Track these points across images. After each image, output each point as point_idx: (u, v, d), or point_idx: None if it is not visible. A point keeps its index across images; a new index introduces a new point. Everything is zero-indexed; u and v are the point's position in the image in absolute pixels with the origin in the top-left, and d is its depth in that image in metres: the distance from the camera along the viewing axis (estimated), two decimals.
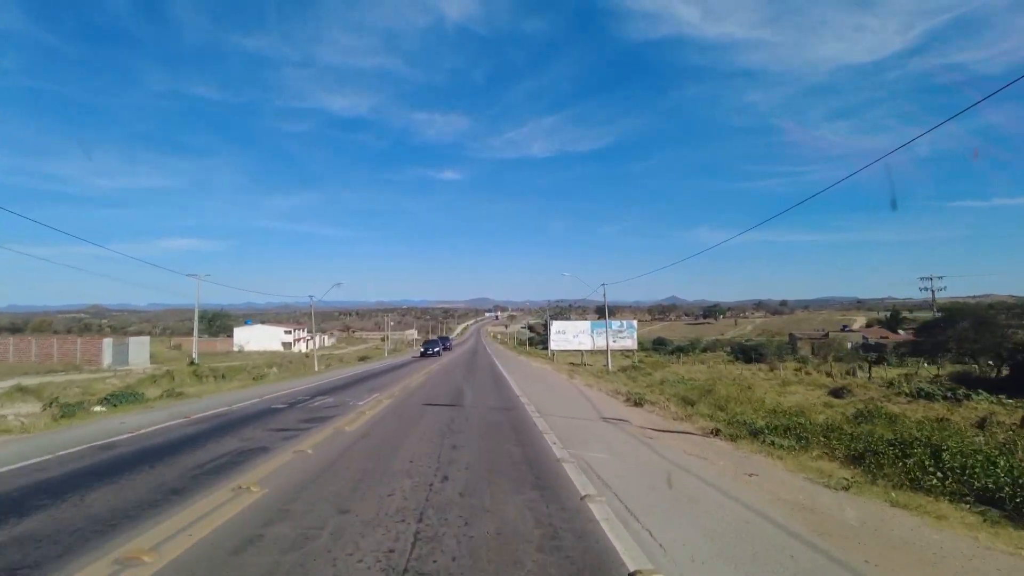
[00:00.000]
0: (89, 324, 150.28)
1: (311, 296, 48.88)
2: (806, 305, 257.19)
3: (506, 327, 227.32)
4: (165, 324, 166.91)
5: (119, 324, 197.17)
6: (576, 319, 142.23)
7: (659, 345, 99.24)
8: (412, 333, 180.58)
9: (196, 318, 55.18)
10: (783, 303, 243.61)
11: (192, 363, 53.30)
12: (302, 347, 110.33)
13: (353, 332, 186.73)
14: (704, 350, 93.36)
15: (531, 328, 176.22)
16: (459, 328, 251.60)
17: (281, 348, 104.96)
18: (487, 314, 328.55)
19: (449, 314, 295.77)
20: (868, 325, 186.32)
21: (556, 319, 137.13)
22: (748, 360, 69.63)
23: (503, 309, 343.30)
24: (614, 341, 56.11)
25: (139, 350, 63.17)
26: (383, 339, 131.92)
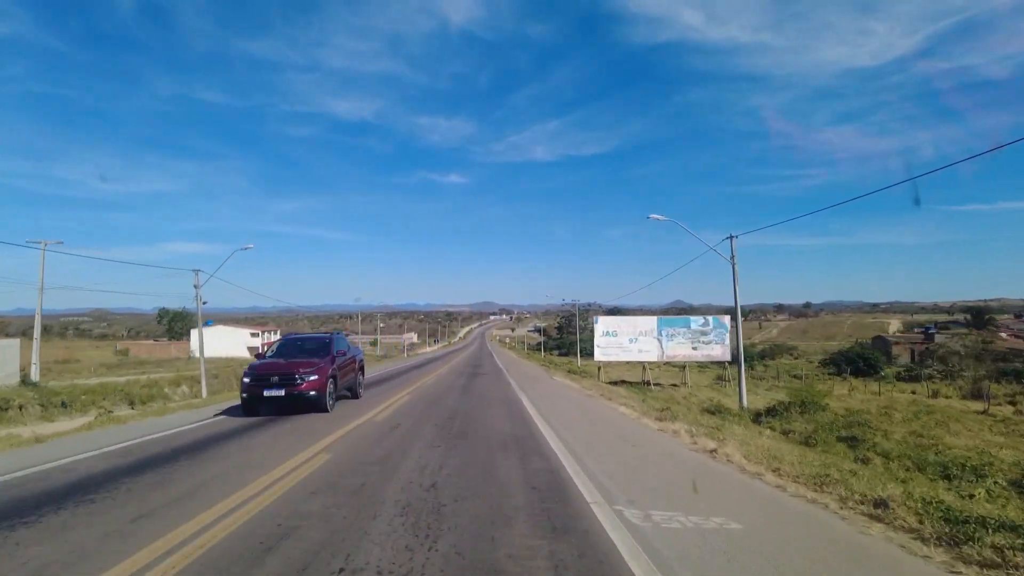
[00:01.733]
0: (49, 327, 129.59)
1: (198, 270, 28.05)
2: (819, 309, 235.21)
3: (512, 330, 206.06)
4: (154, 327, 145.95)
5: (102, 327, 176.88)
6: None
7: None
8: (411, 336, 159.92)
9: (38, 317, 33.88)
10: (807, 305, 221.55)
11: (24, 382, 32.12)
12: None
13: (347, 336, 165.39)
14: (762, 356, 71.63)
15: (542, 331, 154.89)
16: (463, 331, 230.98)
17: (247, 353, 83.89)
18: (492, 317, 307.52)
19: (452, 317, 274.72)
20: (907, 328, 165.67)
21: (572, 322, 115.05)
22: (857, 371, 48.28)
23: (508, 312, 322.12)
24: (693, 348, 34.82)
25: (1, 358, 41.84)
26: (371, 343, 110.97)
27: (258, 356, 14.51)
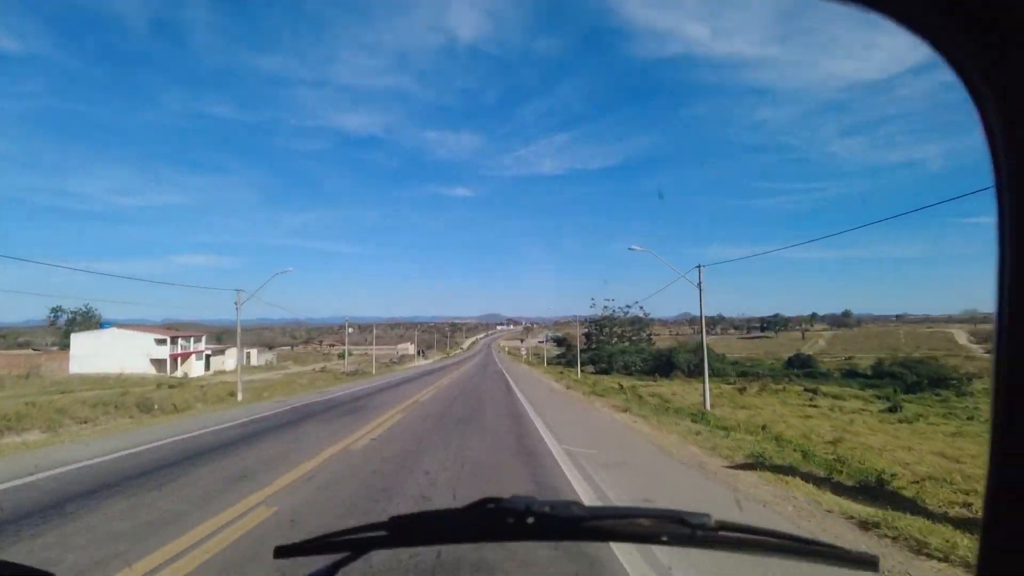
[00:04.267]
0: None
1: None
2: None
3: (522, 341, 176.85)
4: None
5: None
6: (624, 340, 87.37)
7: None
8: (406, 347, 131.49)
9: None
10: (846, 314, 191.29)
11: None
12: (195, 365, 60.59)
13: (332, 345, 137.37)
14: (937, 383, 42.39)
15: (560, 341, 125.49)
16: (467, 342, 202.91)
17: (148, 367, 55.51)
18: (499, 327, 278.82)
19: (457, 327, 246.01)
20: (980, 339, 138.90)
21: (606, 329, 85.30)
22: None
23: (516, 323, 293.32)
24: None
25: None
26: (339, 355, 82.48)
27: None
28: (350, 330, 71.21)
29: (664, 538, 0.80)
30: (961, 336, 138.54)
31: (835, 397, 31.18)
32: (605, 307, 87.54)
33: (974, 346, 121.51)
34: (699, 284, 17.97)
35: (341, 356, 75.70)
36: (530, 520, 0.82)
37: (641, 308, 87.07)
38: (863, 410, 24.70)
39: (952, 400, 32.92)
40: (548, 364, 76.55)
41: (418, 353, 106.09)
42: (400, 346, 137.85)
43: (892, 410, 23.14)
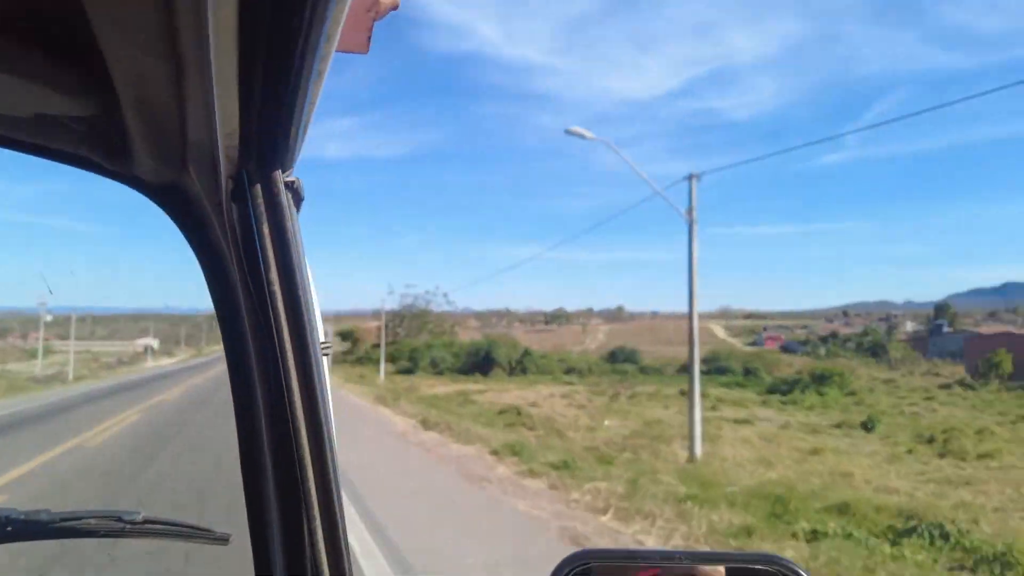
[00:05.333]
0: None
1: None
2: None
3: None
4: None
5: None
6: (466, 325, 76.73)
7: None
8: (146, 343, 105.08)
9: None
10: (619, 309, 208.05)
11: None
12: None
13: (47, 340, 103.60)
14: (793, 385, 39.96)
15: (346, 336, 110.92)
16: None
17: None
18: None
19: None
20: (736, 333, 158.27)
21: (395, 325, 74.70)
22: None
23: None
24: None
25: None
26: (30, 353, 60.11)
27: None
28: (48, 318, 51.38)
29: (101, 532, 0.98)
30: (719, 331, 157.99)
31: (736, 403, 26.55)
32: (403, 295, 76.96)
33: (732, 340, 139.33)
34: (689, 211, 9.96)
35: (34, 355, 53.76)
36: (9, 528, 0.95)
37: (446, 296, 79.03)
38: (831, 426, 19.71)
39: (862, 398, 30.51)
40: (335, 364, 64.23)
41: (145, 350, 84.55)
42: (140, 341, 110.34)
43: (865, 427, 18.46)
